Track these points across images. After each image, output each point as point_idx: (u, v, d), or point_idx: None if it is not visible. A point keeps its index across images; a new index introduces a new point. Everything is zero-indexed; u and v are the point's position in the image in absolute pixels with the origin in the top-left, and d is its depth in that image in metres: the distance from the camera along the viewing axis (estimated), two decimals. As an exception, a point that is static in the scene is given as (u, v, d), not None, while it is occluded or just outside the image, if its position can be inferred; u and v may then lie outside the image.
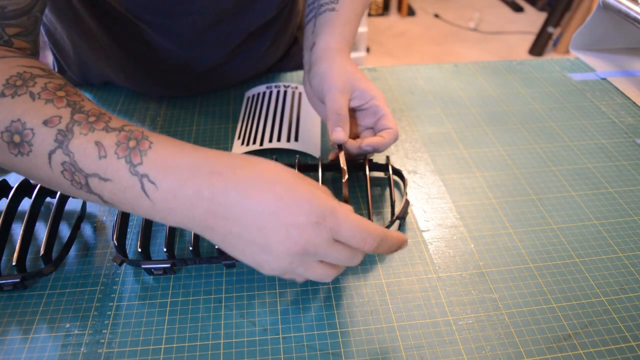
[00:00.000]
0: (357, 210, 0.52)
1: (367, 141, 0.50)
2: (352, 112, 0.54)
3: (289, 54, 0.79)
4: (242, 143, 0.60)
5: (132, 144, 0.34)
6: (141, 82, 0.68)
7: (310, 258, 0.35)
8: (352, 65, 0.53)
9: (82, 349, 0.39)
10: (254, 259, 0.35)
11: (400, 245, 0.38)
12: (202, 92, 0.71)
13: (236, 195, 0.34)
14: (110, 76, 0.69)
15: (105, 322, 0.41)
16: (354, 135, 0.55)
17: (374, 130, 0.52)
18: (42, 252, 0.43)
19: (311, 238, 0.34)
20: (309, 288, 0.44)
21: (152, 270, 0.44)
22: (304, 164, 0.54)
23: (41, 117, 0.34)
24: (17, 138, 0.35)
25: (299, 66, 0.82)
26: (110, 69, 0.67)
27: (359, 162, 0.55)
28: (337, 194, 0.54)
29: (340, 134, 0.49)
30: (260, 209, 0.34)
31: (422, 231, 0.49)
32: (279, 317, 0.41)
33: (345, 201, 0.48)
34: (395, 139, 0.51)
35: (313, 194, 0.35)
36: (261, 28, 0.66)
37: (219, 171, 0.34)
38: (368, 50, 2.75)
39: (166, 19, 0.58)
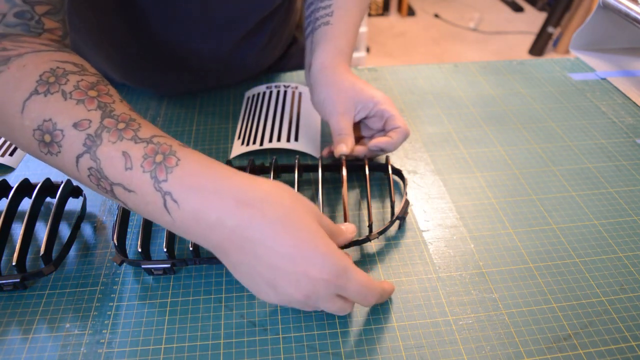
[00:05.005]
0: (357, 210, 0.52)
1: (374, 142, 0.52)
2: (361, 121, 0.56)
3: (288, 53, 0.79)
4: (242, 143, 0.60)
5: (158, 158, 0.34)
6: (138, 78, 0.68)
7: (311, 304, 0.37)
8: (349, 80, 0.54)
9: (82, 349, 0.39)
10: (258, 288, 0.36)
11: (389, 295, 0.41)
12: (202, 91, 0.71)
13: (260, 233, 0.34)
14: (108, 72, 0.68)
15: (105, 322, 0.41)
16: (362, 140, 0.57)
17: (385, 132, 0.54)
18: (42, 252, 0.43)
19: (317, 290, 0.35)
20: (309, 288, 0.44)
21: (152, 270, 0.44)
22: (304, 164, 0.54)
23: (72, 119, 0.35)
24: (47, 138, 0.35)
25: (298, 66, 0.82)
26: (108, 64, 0.66)
27: (359, 162, 0.55)
28: (336, 194, 0.54)
29: (342, 147, 0.52)
30: (277, 250, 0.34)
31: (422, 231, 0.49)
32: (279, 317, 0.41)
33: (344, 208, 0.48)
34: (405, 136, 0.53)
35: (330, 249, 0.35)
36: (259, 24, 0.66)
37: (248, 203, 0.34)
38: (368, 50, 2.75)
39: (166, 6, 0.58)
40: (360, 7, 0.60)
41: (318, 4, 0.59)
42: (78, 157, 0.35)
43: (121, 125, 0.35)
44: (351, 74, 0.55)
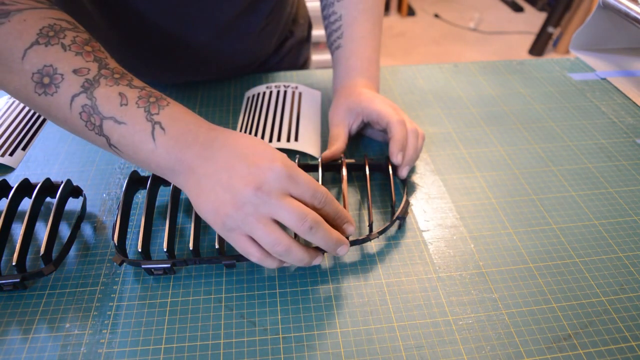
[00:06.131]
0: (357, 210, 0.52)
1: (393, 157, 0.53)
2: (365, 129, 0.61)
3: (285, 46, 0.79)
4: (242, 143, 0.60)
5: (152, 99, 0.40)
6: (135, 63, 0.67)
7: (263, 205, 0.38)
8: (347, 94, 0.58)
9: (82, 349, 0.39)
10: (217, 200, 0.39)
11: (344, 219, 0.42)
12: (203, 84, 0.70)
13: (223, 142, 0.40)
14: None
15: (105, 322, 0.41)
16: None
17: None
18: (42, 252, 0.43)
19: (268, 179, 0.38)
20: (309, 288, 0.44)
21: (152, 270, 0.44)
22: (304, 164, 0.54)
23: (72, 66, 0.39)
24: (46, 80, 0.39)
25: (297, 65, 0.83)
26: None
27: (359, 162, 0.55)
28: (337, 194, 0.54)
29: (326, 152, 0.55)
30: (235, 151, 0.39)
31: (422, 231, 0.49)
32: (279, 317, 0.41)
33: (344, 205, 0.48)
34: (400, 125, 0.53)
35: (282, 153, 0.40)
36: (253, 4, 0.66)
37: (219, 129, 0.41)
38: (368, 50, 2.74)
39: None
40: (370, 15, 0.61)
41: (330, 28, 0.62)
42: (74, 96, 0.39)
43: (117, 75, 0.40)
44: (353, 89, 0.58)
